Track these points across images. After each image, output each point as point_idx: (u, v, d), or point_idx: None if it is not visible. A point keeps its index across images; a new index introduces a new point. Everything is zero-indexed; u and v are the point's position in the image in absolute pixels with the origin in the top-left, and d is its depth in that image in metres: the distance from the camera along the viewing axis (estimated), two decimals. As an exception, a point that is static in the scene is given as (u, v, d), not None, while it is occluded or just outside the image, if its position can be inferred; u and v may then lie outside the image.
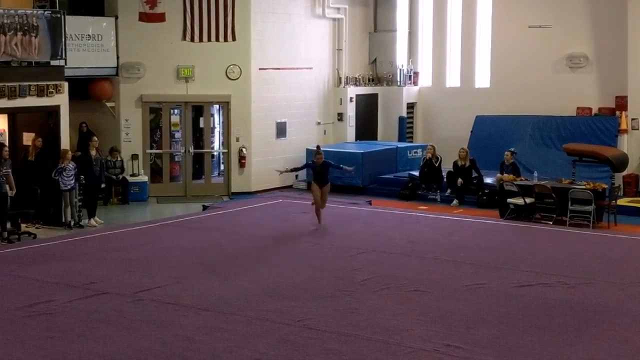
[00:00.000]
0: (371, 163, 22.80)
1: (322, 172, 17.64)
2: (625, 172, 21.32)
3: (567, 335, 11.08)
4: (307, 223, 18.50)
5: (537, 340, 10.87)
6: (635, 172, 21.88)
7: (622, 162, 20.69)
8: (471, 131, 24.00)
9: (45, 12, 19.37)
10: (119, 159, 21.65)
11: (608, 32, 22.57)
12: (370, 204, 20.84)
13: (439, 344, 10.59)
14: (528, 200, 18.91)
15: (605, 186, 18.91)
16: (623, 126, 22.25)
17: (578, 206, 18.26)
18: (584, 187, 18.50)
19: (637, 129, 22.10)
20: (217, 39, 22.33)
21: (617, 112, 22.58)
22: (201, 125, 23.26)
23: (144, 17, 22.06)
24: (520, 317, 11.81)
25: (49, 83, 18.98)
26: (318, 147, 18.42)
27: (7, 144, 18.70)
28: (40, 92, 18.82)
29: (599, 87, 23.12)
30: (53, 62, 19.23)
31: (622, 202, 19.72)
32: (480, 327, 11.29)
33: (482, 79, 25.07)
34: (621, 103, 22.49)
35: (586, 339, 10.94)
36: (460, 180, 21.04)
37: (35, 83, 18.70)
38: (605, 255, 15.74)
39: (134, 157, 22.23)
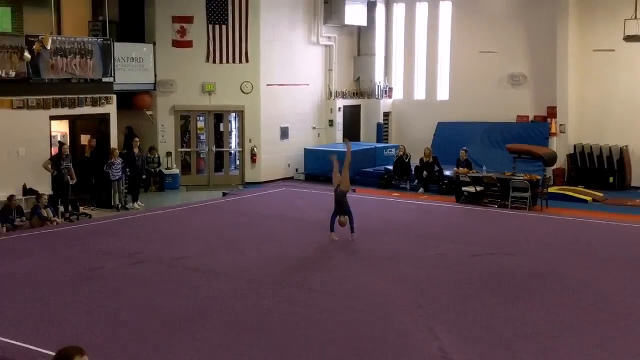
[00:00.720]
0: (356, 159, 22.77)
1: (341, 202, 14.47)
2: (554, 166, 21.43)
3: (510, 292, 11.18)
4: (305, 206, 18.55)
5: (485, 300, 10.96)
6: (562, 167, 21.97)
7: (552, 158, 20.81)
8: (434, 134, 24.03)
9: (98, 40, 19.46)
10: (156, 155, 21.69)
11: (541, 56, 22.61)
12: (355, 191, 20.84)
13: (408, 302, 10.68)
14: (478, 188, 19.00)
15: (539, 177, 18.98)
16: (553, 130, 22.33)
17: (517, 193, 18.34)
18: (522, 178, 18.58)
19: (564, 133, 22.15)
20: (234, 61, 22.34)
21: (548, 119, 22.65)
22: (221, 129, 23.29)
23: (176, 44, 22.12)
24: (473, 280, 11.91)
25: (101, 96, 19.12)
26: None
27: (67, 143, 18.76)
28: (94, 103, 18.92)
29: (534, 99, 23.19)
30: (104, 79, 19.34)
31: (552, 189, 19.83)
32: (441, 289, 11.38)
33: (443, 93, 25.11)
34: (551, 112, 22.57)
35: (524, 295, 11.04)
36: (425, 172, 21.11)
37: (90, 96, 18.84)
38: (538, 232, 15.85)
39: (168, 154, 22.25)
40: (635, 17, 18.83)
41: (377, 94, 25.59)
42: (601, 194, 20.01)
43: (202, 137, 23.09)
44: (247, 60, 22.38)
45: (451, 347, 8.94)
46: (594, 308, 10.44)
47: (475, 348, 8.94)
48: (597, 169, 21.64)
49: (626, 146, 21.48)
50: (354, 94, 25.69)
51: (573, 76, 22.04)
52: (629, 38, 19.12)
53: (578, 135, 22.26)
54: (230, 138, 23.44)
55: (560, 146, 22.03)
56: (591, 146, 21.84)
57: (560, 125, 22.21)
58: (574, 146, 22.11)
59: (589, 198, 19.57)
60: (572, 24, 21.73)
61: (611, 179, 21.32)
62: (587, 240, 14.90)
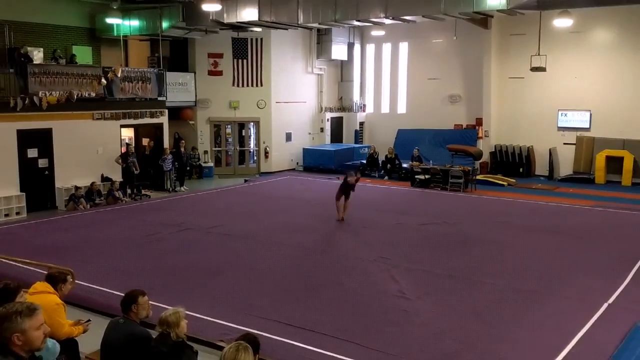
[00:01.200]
0: (339, 155, 22.94)
1: (347, 190, 13.89)
2: (481, 160, 21.49)
3: (449, 249, 11.36)
4: (303, 189, 18.67)
5: (431, 254, 11.14)
6: (486, 161, 22.07)
7: (479, 155, 20.94)
8: (395, 138, 24.06)
9: (155, 70, 19.44)
10: (196, 153, 21.74)
11: (471, 82, 22.63)
12: (339, 179, 20.92)
13: (377, 257, 10.85)
14: (427, 176, 19.12)
15: (470, 168, 19.05)
16: (480, 135, 22.34)
17: (455, 180, 18.45)
18: (458, 169, 18.70)
19: (488, 136, 22.20)
20: (252, 85, 22.34)
21: (477, 127, 22.69)
22: (243, 134, 23.30)
23: (211, 73, 22.11)
24: (422, 241, 12.07)
25: (156, 110, 19.17)
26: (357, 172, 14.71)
27: (132, 144, 18.84)
28: (152, 115, 18.97)
29: (467, 112, 23.23)
30: (159, 98, 19.33)
31: (479, 177, 19.83)
32: (400, 247, 11.55)
33: (401, 108, 25.10)
34: (479, 121, 22.57)
35: (458, 251, 11.22)
36: (389, 165, 21.24)
37: (149, 110, 18.86)
38: (469, 206, 16.02)
39: (205, 152, 22.29)
40: (539, 54, 18.92)
41: (354, 109, 25.62)
42: (514, 180, 20.10)
43: (230, 140, 23.13)
44: (261, 85, 22.41)
45: (408, 288, 9.12)
46: (506, 259, 10.64)
47: (424, 288, 9.12)
48: (511, 162, 21.70)
49: (531, 146, 21.56)
50: (338, 109, 25.71)
51: (494, 96, 22.08)
52: (534, 69, 19.20)
53: (498, 138, 22.31)
54: (250, 140, 23.45)
55: (485, 146, 22.09)
56: (507, 146, 21.90)
57: (485, 131, 22.26)
58: (495, 146, 22.15)
59: (505, 183, 19.69)
60: (493, 58, 21.79)
61: (521, 170, 21.41)
62: (504, 213, 15.10)
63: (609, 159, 19.77)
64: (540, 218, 14.40)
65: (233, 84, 22.26)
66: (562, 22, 18.42)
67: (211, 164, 22.27)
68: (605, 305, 8.37)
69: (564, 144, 21.10)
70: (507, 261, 10.56)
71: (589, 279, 9.57)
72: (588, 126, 20.67)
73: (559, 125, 21.24)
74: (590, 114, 20.56)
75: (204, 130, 22.37)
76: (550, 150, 21.12)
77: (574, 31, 20.12)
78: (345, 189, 13.88)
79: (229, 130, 23.05)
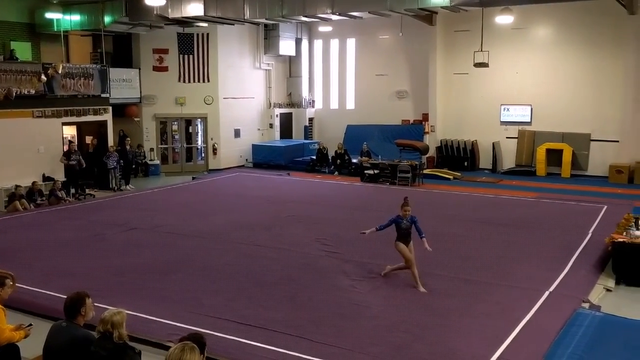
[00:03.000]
0: (289, 151, 22.93)
1: (408, 230, 9.14)
2: (427, 155, 21.85)
3: (390, 241, 11.47)
4: (253, 185, 18.54)
5: (381, 248, 11.21)
6: (433, 155, 22.43)
7: (426, 150, 21.29)
8: (344, 133, 24.23)
9: (97, 66, 18.99)
10: (142, 150, 21.34)
11: (418, 78, 22.98)
12: (289, 175, 21.00)
13: (328, 252, 10.88)
14: (376, 171, 19.29)
15: (417, 163, 19.31)
16: (426, 130, 22.71)
17: (403, 174, 18.67)
18: (406, 163, 18.94)
19: (434, 131, 22.59)
20: (199, 81, 22.09)
21: (423, 122, 23.01)
22: (190, 130, 22.96)
23: (156, 69, 21.74)
24: (372, 235, 12.14)
25: (100, 107, 18.84)
26: (406, 198, 9.57)
27: (75, 142, 18.33)
28: (95, 112, 18.61)
29: (413, 108, 23.58)
30: (102, 95, 18.92)
31: (426, 171, 20.13)
32: (350, 242, 11.61)
33: (350, 103, 25.29)
34: (425, 117, 22.92)
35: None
36: (338, 160, 21.35)
37: (92, 107, 18.44)
38: (417, 200, 16.21)
39: (151, 149, 21.89)
40: (482, 50, 19.37)
41: (303, 104, 25.64)
42: (459, 174, 20.51)
43: (177, 136, 22.77)
44: (208, 80, 22.16)
45: (359, 282, 9.19)
46: (454, 251, 10.85)
47: (375, 281, 9.21)
48: (456, 157, 22.12)
49: (476, 140, 22.07)
50: (287, 104, 25.67)
51: (440, 92, 22.49)
52: (477, 65, 19.66)
53: (443, 133, 22.72)
54: (197, 137, 23.15)
55: (431, 141, 22.48)
56: (452, 140, 22.33)
57: (431, 126, 22.64)
58: (441, 141, 22.55)
59: (451, 176, 20.08)
60: (438, 54, 22.18)
61: (466, 163, 21.85)
62: (451, 206, 15.38)
63: (549, 151, 20.45)
64: (485, 210, 14.74)
65: (179, 80, 21.93)
66: (504, 18, 18.95)
67: (157, 162, 21.87)
68: (547, 293, 8.67)
69: (507, 138, 21.69)
70: (455, 253, 10.77)
71: (532, 268, 9.88)
72: (529, 120, 21.31)
73: (501, 120, 21.80)
74: (531, 109, 21.21)
75: (150, 127, 21.94)
76: (493, 144, 21.66)
77: (516, 27, 20.69)
78: (404, 233, 9.16)
79: (175, 127, 22.67)
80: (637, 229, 10.38)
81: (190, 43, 21.80)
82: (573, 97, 20.43)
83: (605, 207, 14.66)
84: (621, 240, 9.75)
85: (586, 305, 8.40)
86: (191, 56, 21.91)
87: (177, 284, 9.17)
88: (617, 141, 19.67)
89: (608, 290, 9.30)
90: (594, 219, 13.42)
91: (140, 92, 21.44)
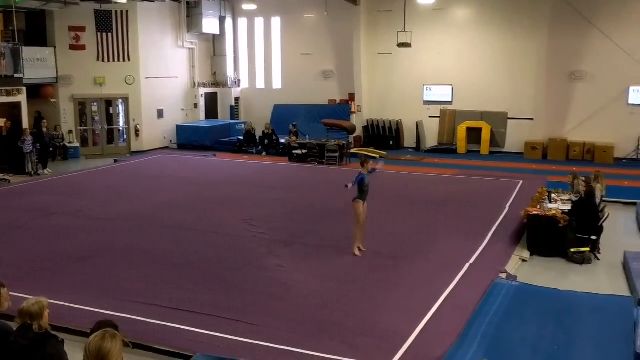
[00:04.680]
0: (215, 132, 22.56)
1: (368, 187, 9.66)
2: (354, 135, 22.10)
3: (326, 223, 11.60)
4: (178, 167, 18.18)
5: (309, 226, 11.34)
6: (360, 135, 22.70)
7: (353, 129, 21.53)
8: (271, 113, 24.11)
9: (9, 45, 17.97)
10: (60, 133, 20.38)
11: (343, 57, 23.06)
12: (215, 156, 20.72)
13: (255, 232, 10.88)
14: (304, 151, 19.36)
15: (344, 142, 19.58)
16: (353, 109, 22.87)
17: (330, 154, 18.85)
18: (333, 143, 19.11)
19: (360, 111, 22.81)
20: (119, 60, 21.27)
21: (349, 102, 23.18)
22: (111, 112, 22.11)
23: (72, 47, 20.71)
24: (300, 215, 12.24)
25: (13, 88, 17.86)
26: (362, 157, 10.19)
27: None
28: (8, 94, 17.68)
29: (339, 88, 23.70)
30: (15, 75, 17.92)
31: (353, 150, 20.39)
32: (278, 222, 11.65)
33: (277, 83, 25.10)
34: (351, 97, 23.09)
35: (336, 223, 11.49)
36: (266, 140, 21.23)
37: (4, 88, 17.57)
38: (345, 179, 16.45)
39: (70, 131, 20.95)
40: (404, 30, 19.70)
41: (229, 84, 25.26)
42: (385, 152, 20.86)
43: (97, 118, 21.91)
44: (129, 59, 21.39)
45: (287, 261, 9.26)
46: (380, 227, 11.07)
47: (303, 260, 9.30)
48: (382, 136, 22.49)
49: (400, 119, 22.51)
50: (212, 84, 25.20)
51: (365, 72, 22.73)
52: (400, 45, 19.99)
53: (369, 113, 23.02)
54: (119, 118, 22.35)
55: (358, 120, 22.72)
56: (378, 120, 22.68)
57: (358, 106, 22.87)
58: (367, 120, 22.85)
59: (377, 155, 20.33)
60: (363, 35, 22.37)
61: (391, 142, 22.28)
62: (376, 184, 15.60)
63: (469, 130, 21.18)
64: (409, 188, 15.14)
65: (98, 59, 21.07)
66: (426, -1, 19.31)
67: (77, 144, 20.99)
68: (467, 266, 9.05)
69: (430, 117, 22.24)
70: (379, 229, 11.01)
71: (453, 242, 10.28)
72: (450, 100, 21.95)
73: (424, 100, 22.33)
74: (452, 88, 21.83)
75: (68, 108, 20.99)
76: (417, 123, 22.16)
77: (437, 8, 21.16)
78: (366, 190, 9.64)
79: (95, 108, 21.80)
80: (550, 202, 10.99)
81: (109, 21, 20.95)
82: (491, 77, 21.18)
83: (521, 182, 15.38)
84: (535, 213, 10.28)
85: (503, 275, 8.84)
86: (110, 34, 21.05)
87: (99, 269, 8.92)
88: (532, 119, 20.62)
89: (523, 260, 9.82)
90: (511, 194, 14.06)
91: (57, 72, 20.40)
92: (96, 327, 4.00)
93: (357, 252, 9.53)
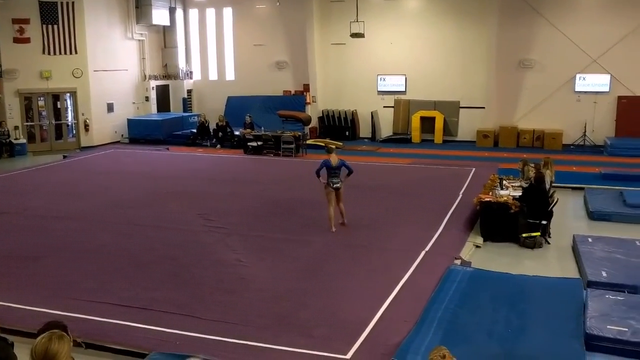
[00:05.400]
0: (168, 125, 22.15)
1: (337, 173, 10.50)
2: (310, 126, 22.09)
3: (282, 215, 11.55)
4: (130, 162, 17.79)
5: (265, 219, 11.25)
6: (315, 125, 22.70)
7: (308, 120, 21.52)
8: (225, 105, 23.83)
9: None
10: (5, 129, 19.65)
11: (297, 48, 22.95)
12: (168, 149, 20.35)
13: (211, 227, 10.74)
14: (259, 143, 19.20)
15: (300, 133, 19.47)
16: (308, 100, 22.83)
17: (286, 145, 18.72)
18: (289, 134, 19.00)
19: (315, 102, 22.77)
20: (66, 52, 20.60)
21: (305, 93, 23.13)
22: (59, 106, 21.44)
23: (17, 40, 19.92)
24: (256, 208, 12.15)
25: (-49, 82, 16.93)
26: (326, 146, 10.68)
27: None
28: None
29: (294, 79, 23.57)
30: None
31: (309, 142, 20.30)
32: (234, 215, 11.52)
33: (230, 74, 24.80)
34: (306, 87, 23.05)
35: (292, 215, 11.46)
36: (220, 133, 20.96)
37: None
38: (301, 171, 16.40)
39: (16, 127, 20.20)
40: (357, 20, 19.73)
41: (181, 76, 24.84)
42: (341, 143, 20.85)
43: (44, 113, 21.20)
44: (76, 52, 20.73)
45: (244, 255, 9.17)
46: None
47: (260, 253, 9.23)
48: (338, 126, 22.51)
49: (355, 110, 22.58)
50: (163, 76, 24.73)
51: (319, 62, 22.68)
52: (353, 35, 19.99)
53: (324, 103, 23.01)
54: (67, 113, 21.68)
55: (313, 111, 22.70)
56: (333, 111, 22.68)
57: (313, 96, 22.83)
58: (322, 111, 22.83)
59: (333, 146, 20.31)
60: (316, 25, 22.29)
61: (347, 133, 22.33)
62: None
63: (423, 119, 21.41)
64: (365, 177, 15.15)
65: (44, 52, 20.35)
66: (377, -11, 19.35)
67: (24, 141, 20.27)
68: (423, 253, 9.16)
69: (384, 107, 22.39)
70: (337, 219, 11.00)
71: (409, 231, 10.38)
72: (404, 90, 22.12)
73: (378, 90, 22.45)
74: (406, 78, 22.01)
75: (13, 103, 20.22)
76: (372, 113, 22.28)
77: (389, -1, 21.29)
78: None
79: (42, 103, 21.09)
80: (502, 189, 11.21)
81: (54, 12, 20.26)
82: (443, 67, 21.44)
83: (474, 169, 15.65)
84: (487, 199, 10.48)
85: (458, 262, 8.99)
86: (56, 26, 20.37)
87: (49, 269, 8.65)
88: (483, 107, 21.00)
89: (477, 246, 10.00)
90: (464, 181, 14.29)
91: (0, 66, 19.64)
92: (44, 328, 3.86)
93: (333, 229, 10.24)
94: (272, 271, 8.48)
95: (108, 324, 6.74)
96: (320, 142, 20.77)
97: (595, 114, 19.89)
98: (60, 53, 20.54)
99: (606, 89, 19.67)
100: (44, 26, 20.22)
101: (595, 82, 19.72)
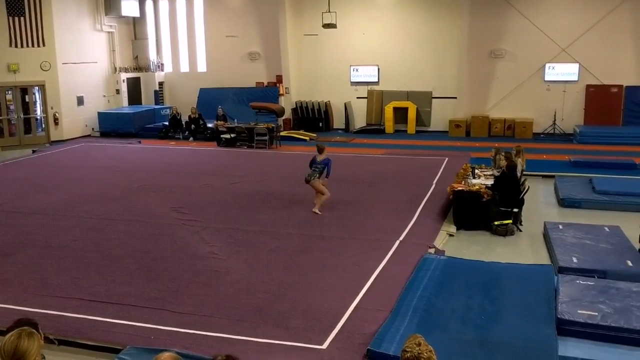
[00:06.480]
0: (139, 118, 21.85)
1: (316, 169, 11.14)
2: (283, 117, 22.00)
3: (257, 207, 11.51)
4: (101, 156, 17.51)
5: (240, 212, 11.18)
6: (289, 117, 22.60)
7: (281, 112, 21.43)
8: (198, 97, 23.57)
9: None
10: (-29, 123, 19.23)
11: (269, 39, 22.80)
12: (140, 143, 20.08)
13: (185, 220, 10.64)
14: (232, 135, 19.08)
15: (274, 125, 19.39)
16: (281, 92, 22.72)
17: (260, 137, 18.63)
18: (262, 126, 18.90)
19: (289, 93, 22.67)
20: (33, 45, 20.15)
21: (278, 84, 23.00)
22: (27, 100, 20.99)
23: (-20, 32, 19.48)
24: (230, 200, 12.08)
25: None
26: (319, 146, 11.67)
27: None
28: None
29: (267, 70, 23.40)
30: None
31: (283, 133, 20.29)
32: (209, 208, 11.44)
33: (202, 66, 24.51)
34: (279, 79, 22.91)
35: (266, 208, 11.44)
36: (193, 125, 20.74)
37: None
38: (275, 163, 16.38)
39: (-18, 122, 19.81)
40: (329, 11, 19.65)
41: (152, 68, 24.49)
42: (315, 135, 20.86)
43: (12, 107, 20.71)
44: (44, 44, 20.29)
45: (218, 248, 9.10)
46: (310, 210, 11.08)
47: (234, 246, 9.18)
48: (312, 118, 22.45)
49: (329, 101, 22.54)
50: (134, 68, 24.37)
51: (292, 53, 22.57)
52: (325, 26, 19.93)
53: (298, 95, 22.94)
54: (36, 107, 21.24)
55: (286, 103, 22.60)
56: (307, 102, 22.61)
57: (286, 88, 22.72)
58: (296, 102, 22.74)
59: (307, 138, 20.37)
60: (288, 16, 22.17)
61: (320, 124, 22.29)
62: (307, 166, 15.63)
63: (396, 110, 21.49)
64: (339, 169, 15.14)
65: (10, 45, 19.90)
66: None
67: (-9, 135, 19.86)
68: (397, 243, 9.20)
69: (357, 98, 22.41)
70: (309, 211, 11.01)
71: (383, 221, 10.41)
72: (377, 80, 22.16)
73: (352, 80, 22.45)
74: (378, 69, 22.05)
75: (-22, 97, 19.78)
76: (345, 104, 22.28)
77: (361, -11, 21.24)
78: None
79: (9, 97, 20.61)
80: (474, 178, 11.32)
81: (20, 3, 19.79)
82: (416, 57, 21.52)
83: (447, 159, 15.77)
84: (460, 188, 10.57)
85: (432, 250, 9.06)
86: (22, 18, 19.91)
87: (18, 265, 8.47)
88: (455, 98, 21.15)
89: (450, 235, 10.09)
90: (437, 171, 14.40)
91: (-36, 58, 19.20)
92: (13, 325, 3.77)
93: (316, 211, 10.80)
94: (247, 264, 8.44)
95: (81, 320, 6.63)
96: (295, 134, 20.73)
97: (564, 103, 20.19)
98: (27, 45, 20.09)
99: (575, 78, 19.99)
100: (10, 18, 19.76)
101: (564, 71, 20.02)
